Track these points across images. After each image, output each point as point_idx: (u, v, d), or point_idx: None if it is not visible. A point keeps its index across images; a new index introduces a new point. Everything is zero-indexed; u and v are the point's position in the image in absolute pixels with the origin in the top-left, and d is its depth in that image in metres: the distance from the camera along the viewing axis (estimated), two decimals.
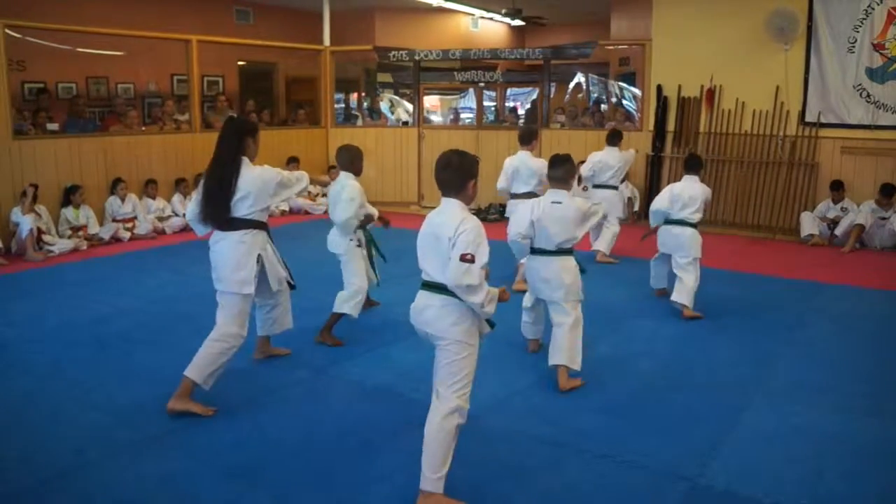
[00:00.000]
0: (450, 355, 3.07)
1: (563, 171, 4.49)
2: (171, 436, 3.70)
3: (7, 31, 8.03)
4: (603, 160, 7.62)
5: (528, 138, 6.71)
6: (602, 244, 7.59)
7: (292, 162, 10.91)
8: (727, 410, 4.03)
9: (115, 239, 8.56)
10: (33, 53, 9.28)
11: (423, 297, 3.15)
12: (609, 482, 3.30)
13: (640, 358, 4.87)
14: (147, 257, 7.82)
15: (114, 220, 8.74)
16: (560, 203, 4.41)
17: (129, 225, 8.79)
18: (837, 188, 8.58)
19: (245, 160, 4.08)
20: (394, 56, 11.12)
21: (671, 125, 9.70)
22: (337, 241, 5.18)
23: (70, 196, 8.34)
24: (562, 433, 3.75)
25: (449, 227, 3.01)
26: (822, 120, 8.76)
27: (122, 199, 8.84)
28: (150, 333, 5.29)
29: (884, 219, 8.24)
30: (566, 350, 4.29)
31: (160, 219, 9.19)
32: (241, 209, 4.08)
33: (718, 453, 3.54)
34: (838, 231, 8.45)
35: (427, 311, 3.12)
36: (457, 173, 3.10)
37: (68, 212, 8.34)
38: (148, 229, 8.87)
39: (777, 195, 9.09)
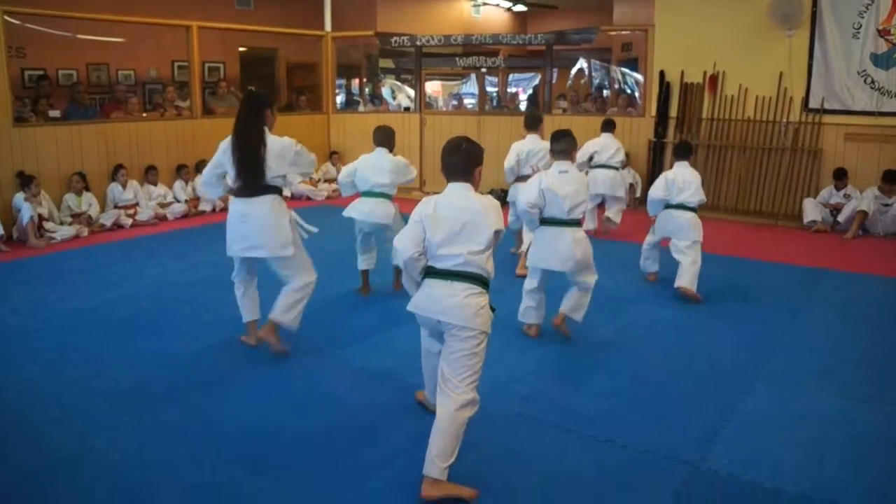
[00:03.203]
0: (470, 346, 3.06)
1: (565, 143, 4.77)
2: (173, 422, 3.71)
3: (6, 17, 8.00)
4: (602, 143, 8.00)
5: (535, 123, 6.68)
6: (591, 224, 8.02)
7: None
8: (729, 396, 4.04)
9: (117, 225, 8.56)
10: (33, 40, 9.25)
11: (440, 286, 3.10)
12: (611, 467, 3.31)
13: (642, 343, 4.88)
14: (149, 243, 7.82)
15: (115, 207, 8.74)
16: (566, 172, 4.69)
17: (131, 211, 8.79)
18: (840, 177, 8.55)
19: (265, 129, 4.33)
20: (395, 42, 11.08)
21: (674, 111, 9.65)
22: (388, 212, 5.57)
23: (72, 180, 8.38)
24: (564, 418, 3.76)
25: (487, 215, 3.11)
26: (826, 106, 8.71)
27: (124, 186, 8.83)
28: (154, 319, 5.29)
29: (887, 205, 8.22)
30: (581, 307, 4.80)
31: (162, 205, 9.18)
32: (266, 175, 4.33)
33: (720, 438, 3.55)
34: (841, 217, 8.43)
35: (448, 300, 3.08)
36: (465, 158, 3.19)
37: (70, 198, 8.35)
38: (149, 216, 8.86)
39: (780, 181, 9.06)
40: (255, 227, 4.33)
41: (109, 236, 8.18)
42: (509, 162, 6.53)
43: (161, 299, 5.78)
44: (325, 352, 4.66)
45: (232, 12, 12.16)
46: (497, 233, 3.12)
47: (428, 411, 3.73)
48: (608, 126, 8.20)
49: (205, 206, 9.49)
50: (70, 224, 8.18)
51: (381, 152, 5.66)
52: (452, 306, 3.06)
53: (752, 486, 3.15)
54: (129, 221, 8.67)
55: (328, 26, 11.66)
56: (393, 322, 5.17)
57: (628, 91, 12.06)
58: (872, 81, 8.42)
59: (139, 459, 3.35)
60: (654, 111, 9.77)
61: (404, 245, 3.15)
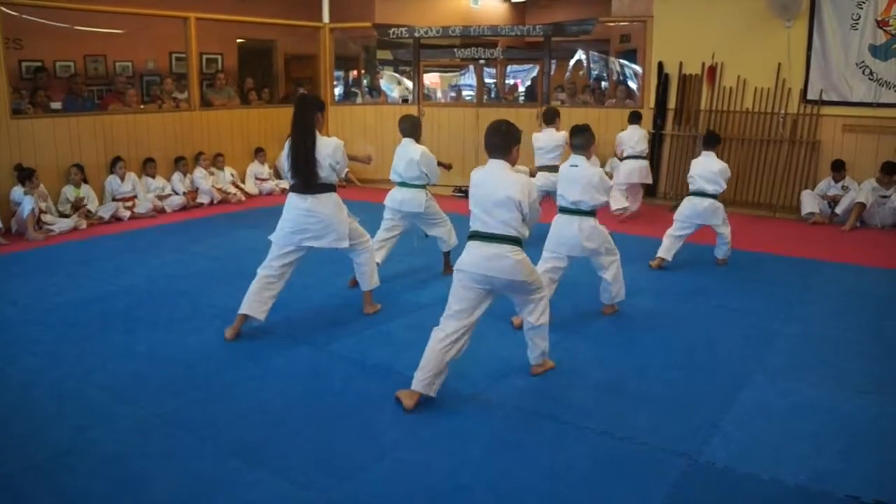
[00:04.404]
0: (533, 290, 3.93)
1: (582, 139, 4.99)
2: (172, 414, 3.72)
3: (3, 8, 7.97)
4: (632, 135, 8.70)
5: (552, 117, 7.39)
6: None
7: None
8: (727, 388, 4.05)
9: (116, 218, 8.55)
10: (30, 31, 9.21)
11: (490, 247, 3.70)
12: (608, 459, 3.32)
13: (640, 335, 4.88)
14: (147, 236, 7.82)
15: (113, 200, 8.72)
16: (577, 167, 4.92)
17: (129, 204, 8.77)
18: (838, 168, 8.55)
19: (317, 132, 4.64)
20: (393, 33, 11.03)
21: (672, 102, 9.65)
22: (418, 200, 5.76)
23: (71, 172, 8.38)
24: (561, 410, 3.77)
25: (515, 189, 3.67)
26: (824, 98, 8.71)
27: (122, 178, 8.81)
28: (152, 312, 5.29)
29: (885, 197, 8.22)
30: (614, 289, 5.14)
31: (160, 197, 9.17)
32: (322, 174, 4.65)
33: (718, 430, 3.56)
34: (839, 209, 8.43)
35: (501, 260, 3.69)
36: (504, 138, 3.75)
37: (69, 190, 8.33)
38: (148, 208, 8.85)
39: (778, 173, 9.07)
40: (319, 222, 4.70)
41: (108, 229, 8.17)
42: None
43: (159, 292, 5.78)
44: (323, 344, 4.67)
45: (230, 4, 12.07)
46: (519, 203, 3.65)
47: (403, 407, 3.74)
48: (635, 118, 8.80)
49: (203, 199, 9.48)
50: (70, 216, 8.16)
51: (407, 143, 5.79)
52: (508, 266, 3.70)
53: (749, 477, 3.16)
54: (128, 214, 8.66)
55: (326, 18, 11.61)
56: (391, 315, 5.18)
57: (626, 82, 12.04)
58: (871, 73, 8.42)
59: (138, 451, 3.36)
60: (652, 103, 9.76)
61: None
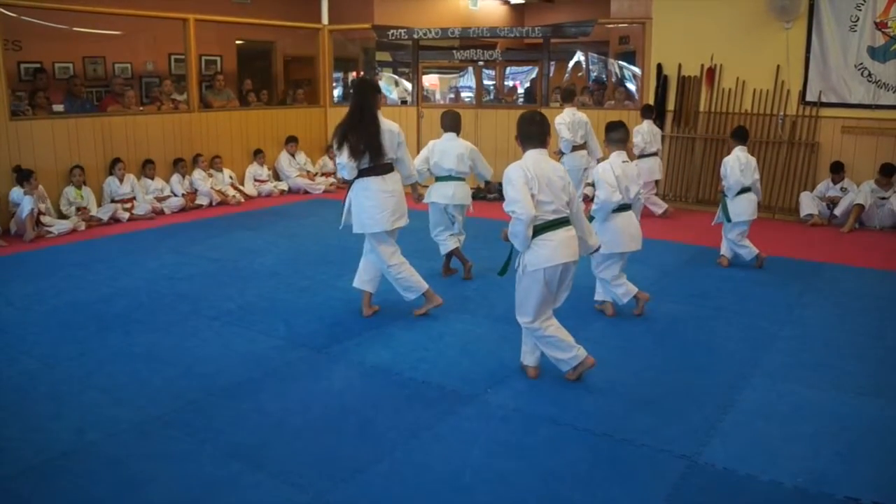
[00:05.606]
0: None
1: (622, 133, 5.06)
2: (171, 415, 3.72)
3: (2, 10, 7.96)
4: (651, 130, 8.62)
5: (571, 96, 7.72)
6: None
7: (291, 142, 10.88)
8: (726, 389, 4.05)
9: (114, 219, 8.55)
10: (29, 33, 9.21)
11: (566, 231, 3.81)
12: (607, 460, 3.32)
13: (640, 337, 4.88)
14: (146, 238, 7.81)
15: (112, 201, 8.72)
16: (627, 161, 5.03)
17: (128, 205, 8.77)
18: (837, 171, 8.56)
19: (379, 112, 4.81)
20: (392, 35, 11.04)
21: (671, 104, 9.66)
22: (466, 191, 6.03)
23: (73, 174, 8.39)
24: (561, 412, 3.77)
25: (566, 172, 3.89)
26: (823, 99, 8.72)
27: (121, 180, 8.82)
28: (150, 313, 5.29)
29: (883, 198, 8.23)
30: None
31: (159, 199, 9.17)
32: (386, 154, 4.80)
33: (717, 432, 3.56)
34: (838, 211, 8.44)
35: (575, 242, 3.85)
36: (541, 127, 3.83)
37: (70, 191, 8.34)
38: (146, 209, 8.85)
39: (777, 175, 9.07)
40: (400, 202, 4.87)
41: (106, 230, 8.17)
42: (566, 136, 7.52)
43: (158, 293, 5.77)
44: (323, 345, 4.66)
45: (229, 5, 12.11)
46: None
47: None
48: (647, 112, 8.80)
49: (202, 201, 9.47)
50: (73, 216, 8.16)
51: (451, 138, 5.98)
52: (577, 247, 3.85)
53: (748, 479, 3.16)
54: (126, 215, 8.66)
55: (325, 19, 11.62)
56: (391, 317, 5.18)
57: (625, 84, 12.04)
58: (869, 74, 8.43)
59: (137, 453, 3.35)
60: (651, 104, 9.75)
61: (527, 208, 3.65)
